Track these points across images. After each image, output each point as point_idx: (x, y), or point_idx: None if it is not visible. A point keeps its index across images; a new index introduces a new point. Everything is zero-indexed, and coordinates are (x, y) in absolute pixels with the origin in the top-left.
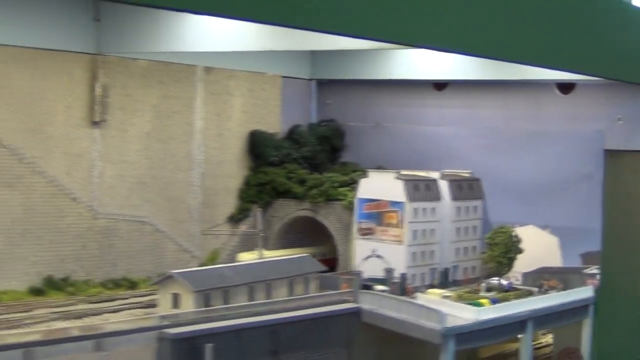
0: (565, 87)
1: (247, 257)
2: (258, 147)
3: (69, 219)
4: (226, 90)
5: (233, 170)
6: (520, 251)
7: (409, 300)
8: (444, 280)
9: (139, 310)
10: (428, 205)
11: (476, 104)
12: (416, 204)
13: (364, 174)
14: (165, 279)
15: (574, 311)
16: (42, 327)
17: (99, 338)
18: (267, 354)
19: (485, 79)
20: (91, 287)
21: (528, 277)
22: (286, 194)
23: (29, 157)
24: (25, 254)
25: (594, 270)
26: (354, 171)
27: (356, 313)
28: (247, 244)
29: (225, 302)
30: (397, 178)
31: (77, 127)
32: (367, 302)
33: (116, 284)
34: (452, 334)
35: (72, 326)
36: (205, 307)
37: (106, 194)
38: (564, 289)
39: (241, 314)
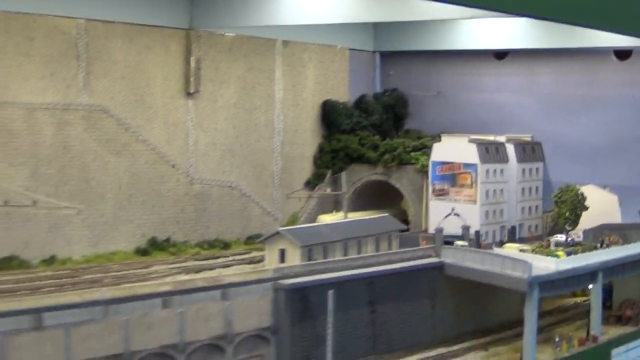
0: (623, 55)
1: (327, 219)
2: (331, 115)
3: (169, 185)
4: (301, 62)
5: (308, 138)
6: (585, 208)
7: (495, 252)
8: (512, 237)
9: (244, 265)
10: (497, 167)
11: (535, 72)
12: (487, 166)
13: (436, 139)
14: (273, 236)
15: (636, 264)
16: (169, 280)
17: (224, 289)
18: (365, 304)
19: (544, 47)
20: (189, 247)
21: (589, 233)
22: (359, 159)
23: (134, 126)
24: (131, 218)
25: None
26: (419, 137)
27: (440, 267)
28: (323, 207)
29: (325, 257)
30: (470, 141)
31: (173, 98)
32: (450, 257)
33: (210, 244)
34: (537, 282)
35: (196, 278)
36: (309, 261)
37: (200, 161)
38: (623, 244)
39: (341, 267)
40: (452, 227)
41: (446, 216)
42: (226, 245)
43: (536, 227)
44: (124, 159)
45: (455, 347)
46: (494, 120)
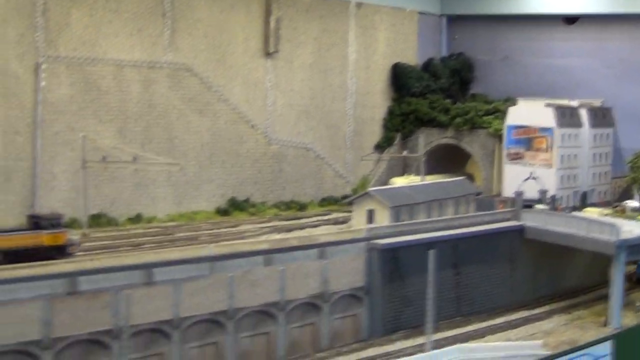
0: None
1: (400, 182)
2: (401, 78)
3: (248, 145)
4: (372, 24)
5: (378, 100)
6: None
7: (580, 216)
8: (583, 202)
9: (330, 226)
10: (573, 131)
11: (605, 37)
12: (564, 130)
13: (510, 103)
14: (361, 197)
15: None
16: (264, 238)
17: (321, 247)
18: (449, 266)
19: (615, 12)
20: (267, 208)
21: None
22: (429, 123)
23: (215, 85)
24: (212, 177)
25: None
26: (487, 102)
27: (520, 230)
28: (392, 171)
29: (410, 218)
30: (547, 105)
31: (253, 58)
32: (531, 220)
33: (287, 206)
34: (625, 245)
35: (291, 237)
36: (397, 221)
37: (277, 122)
38: None
39: (428, 228)
40: (530, 191)
41: (526, 179)
42: (302, 207)
43: (605, 192)
44: (205, 118)
45: (536, 311)
46: (562, 85)
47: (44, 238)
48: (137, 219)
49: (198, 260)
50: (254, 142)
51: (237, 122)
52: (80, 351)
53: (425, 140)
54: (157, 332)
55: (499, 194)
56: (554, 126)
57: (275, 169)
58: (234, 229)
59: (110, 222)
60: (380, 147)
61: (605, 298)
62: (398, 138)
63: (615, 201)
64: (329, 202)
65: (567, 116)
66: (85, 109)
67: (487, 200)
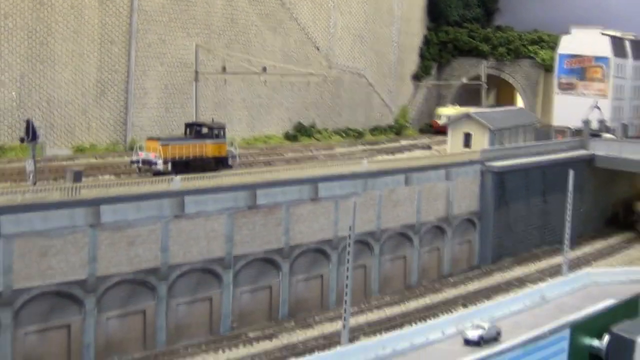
0: None
1: (446, 112)
2: (439, 6)
3: (312, 67)
4: None
5: (417, 28)
6: None
7: None
8: (625, 134)
9: (421, 150)
10: (623, 62)
11: None
12: (619, 60)
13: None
14: (460, 120)
15: None
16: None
17: (447, 168)
18: (539, 193)
19: None
20: (330, 134)
21: None
22: (469, 52)
23: (287, 2)
24: (281, 100)
25: None
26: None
27: (591, 159)
28: (429, 102)
29: (501, 143)
30: (603, 34)
31: None
32: (601, 149)
33: (346, 133)
34: None
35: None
36: (493, 145)
37: (337, 45)
38: None
39: (523, 153)
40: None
41: (592, 108)
42: (359, 134)
43: (636, 126)
44: (279, 37)
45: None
46: (590, 18)
47: (209, 148)
48: None
49: (354, 177)
50: (318, 65)
51: (305, 43)
52: (255, 271)
53: (462, 71)
54: (319, 252)
55: (548, 125)
56: (611, 56)
57: (334, 95)
58: (330, 151)
59: None
60: (417, 77)
61: None
62: (435, 67)
63: None
64: (379, 130)
65: (619, 47)
66: (175, 20)
67: (543, 130)
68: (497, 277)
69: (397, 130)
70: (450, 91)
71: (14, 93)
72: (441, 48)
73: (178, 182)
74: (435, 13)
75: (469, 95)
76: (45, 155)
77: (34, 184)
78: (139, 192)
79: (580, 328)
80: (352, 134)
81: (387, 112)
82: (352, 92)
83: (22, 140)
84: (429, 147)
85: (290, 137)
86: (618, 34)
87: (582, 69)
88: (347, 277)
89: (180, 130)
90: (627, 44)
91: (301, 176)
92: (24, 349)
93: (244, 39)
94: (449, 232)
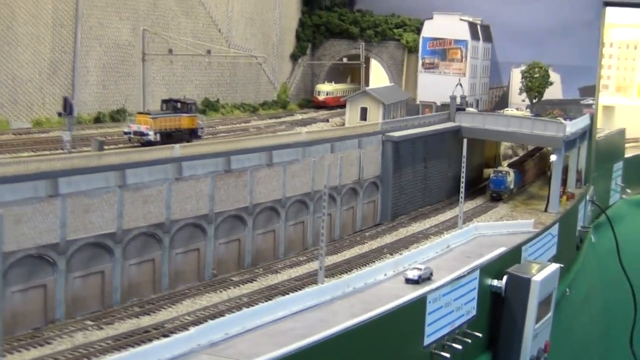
0: None
1: (325, 88)
2: None
3: (216, 48)
4: None
5: (292, 12)
6: (551, 84)
7: (520, 115)
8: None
9: (321, 123)
10: (477, 44)
11: None
12: (474, 43)
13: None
14: (357, 95)
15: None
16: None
17: (360, 138)
18: (421, 160)
19: None
20: (231, 109)
21: (534, 107)
22: (340, 34)
23: None
24: (192, 78)
25: (589, 101)
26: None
27: (457, 130)
28: (305, 79)
29: (387, 117)
30: (461, 20)
31: None
32: (466, 121)
33: (243, 107)
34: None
35: (327, 129)
36: (386, 119)
37: (234, 28)
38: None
39: (410, 125)
40: (439, 97)
41: (456, 86)
42: (255, 109)
43: (485, 101)
44: (190, 20)
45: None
46: (442, 3)
47: (185, 121)
48: None
49: (296, 145)
50: (220, 46)
51: (210, 26)
52: (229, 226)
53: (333, 51)
54: (272, 210)
55: (414, 99)
56: (469, 39)
57: (232, 73)
58: (246, 124)
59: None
60: (295, 57)
61: None
62: (309, 48)
63: (494, 109)
64: (267, 105)
65: (474, 31)
66: (111, 5)
67: (412, 105)
68: (402, 232)
69: (282, 104)
70: (323, 70)
71: None
72: (314, 30)
73: (178, 149)
74: None
75: (339, 74)
76: (11, 128)
77: (69, 152)
78: (151, 158)
79: (484, 270)
80: (248, 109)
81: (271, 88)
82: (245, 71)
83: (59, 114)
84: (327, 120)
85: (201, 112)
86: (470, 19)
87: (443, 51)
88: (322, 226)
89: (115, 106)
90: (479, 28)
91: (262, 145)
92: (73, 291)
93: (163, 22)
94: (360, 193)
